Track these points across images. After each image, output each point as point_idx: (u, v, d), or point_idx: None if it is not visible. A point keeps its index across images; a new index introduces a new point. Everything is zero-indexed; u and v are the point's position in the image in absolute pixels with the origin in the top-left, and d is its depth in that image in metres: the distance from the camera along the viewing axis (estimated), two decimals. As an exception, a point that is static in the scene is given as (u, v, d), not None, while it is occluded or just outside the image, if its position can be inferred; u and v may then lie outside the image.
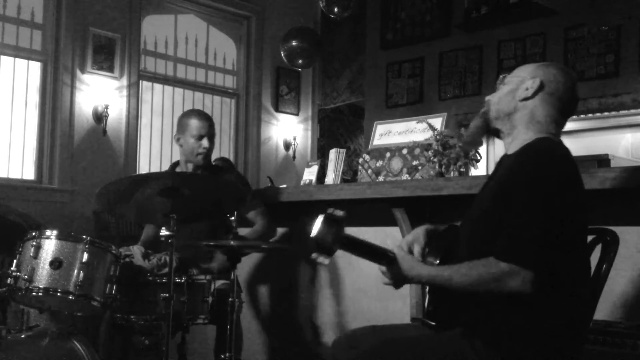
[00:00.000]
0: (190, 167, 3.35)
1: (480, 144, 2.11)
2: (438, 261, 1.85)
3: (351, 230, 1.86)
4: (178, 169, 3.41)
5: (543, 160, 1.75)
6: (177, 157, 3.48)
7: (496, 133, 1.96)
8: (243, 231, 3.16)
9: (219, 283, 3.07)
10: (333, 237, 1.80)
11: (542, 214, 1.67)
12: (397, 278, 1.85)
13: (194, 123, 3.31)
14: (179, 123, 3.42)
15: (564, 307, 1.74)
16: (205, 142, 3.30)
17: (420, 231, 1.99)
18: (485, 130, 1.97)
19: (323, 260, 1.82)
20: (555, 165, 1.74)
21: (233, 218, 2.68)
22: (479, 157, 3.17)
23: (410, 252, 1.94)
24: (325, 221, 1.80)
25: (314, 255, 1.82)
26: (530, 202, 1.69)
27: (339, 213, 1.85)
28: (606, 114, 6.27)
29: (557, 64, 1.96)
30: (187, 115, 3.44)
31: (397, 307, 3.12)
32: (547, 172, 1.72)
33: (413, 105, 6.98)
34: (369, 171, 3.56)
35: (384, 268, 1.88)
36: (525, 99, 1.87)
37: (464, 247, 1.85)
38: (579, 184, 1.77)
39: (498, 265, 1.67)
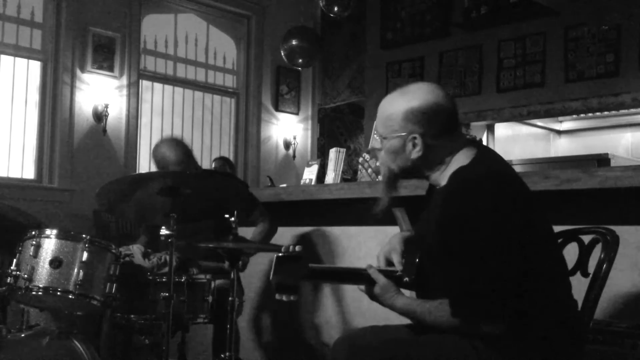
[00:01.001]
0: None
1: (397, 190, 2.06)
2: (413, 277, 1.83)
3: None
4: None
5: (463, 204, 1.69)
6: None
7: None
8: (245, 232, 3.16)
9: (220, 282, 3.07)
10: (293, 275, 1.79)
11: (483, 258, 1.64)
12: (375, 298, 1.86)
13: (171, 158, 3.18)
14: (156, 165, 3.25)
15: (559, 309, 1.75)
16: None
17: (396, 240, 1.99)
18: (397, 181, 1.94)
19: (289, 298, 1.81)
20: (475, 200, 1.68)
21: (233, 219, 2.67)
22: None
23: (390, 262, 1.94)
24: (280, 262, 1.79)
25: (277, 296, 1.81)
26: (468, 250, 1.66)
27: (295, 250, 1.85)
28: (606, 113, 6.28)
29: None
30: (157, 153, 3.24)
31: (397, 306, 3.12)
32: (470, 214, 1.67)
33: (413, 105, 6.95)
34: (369, 170, 3.55)
35: (363, 287, 1.87)
36: (419, 157, 1.83)
37: (430, 280, 1.82)
38: (509, 199, 1.71)
39: (458, 320, 1.69)
